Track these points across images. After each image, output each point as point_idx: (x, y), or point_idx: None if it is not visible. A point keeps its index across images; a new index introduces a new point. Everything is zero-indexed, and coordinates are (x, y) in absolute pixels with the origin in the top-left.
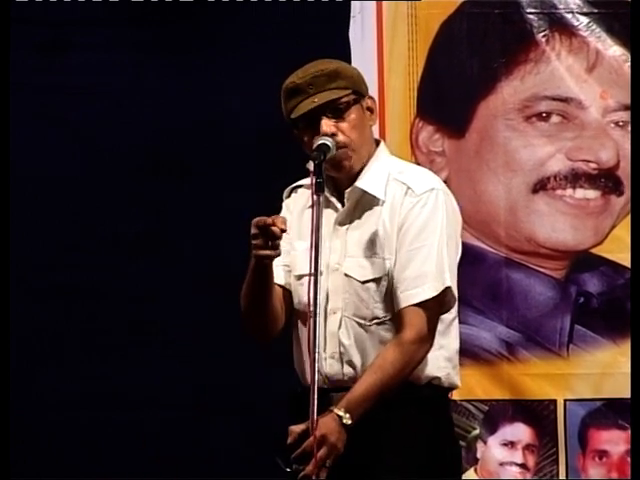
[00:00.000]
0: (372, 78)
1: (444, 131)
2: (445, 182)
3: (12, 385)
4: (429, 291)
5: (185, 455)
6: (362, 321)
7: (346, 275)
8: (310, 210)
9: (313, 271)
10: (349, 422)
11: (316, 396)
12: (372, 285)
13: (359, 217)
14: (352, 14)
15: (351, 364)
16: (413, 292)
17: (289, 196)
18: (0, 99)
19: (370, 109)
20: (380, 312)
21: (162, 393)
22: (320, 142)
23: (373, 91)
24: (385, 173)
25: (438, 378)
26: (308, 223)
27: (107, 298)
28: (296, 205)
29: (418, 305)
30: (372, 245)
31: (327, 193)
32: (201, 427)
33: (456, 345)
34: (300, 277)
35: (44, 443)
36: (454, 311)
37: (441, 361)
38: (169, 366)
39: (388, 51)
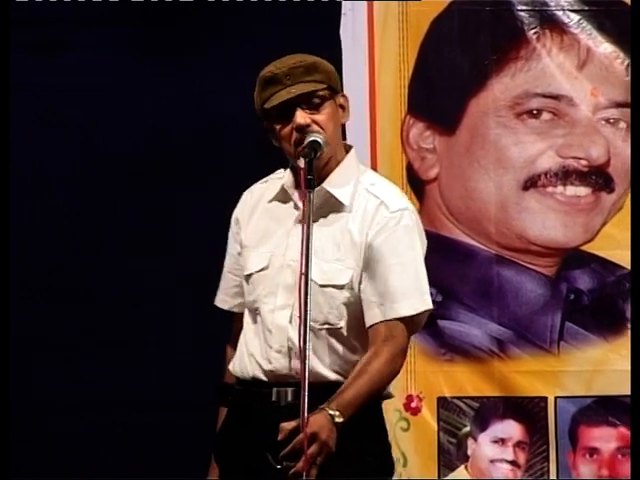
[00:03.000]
0: (363, 75)
1: (435, 128)
2: (436, 179)
3: (11, 387)
4: (408, 308)
5: (185, 455)
6: (313, 324)
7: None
8: (264, 207)
9: (304, 269)
10: (340, 420)
11: (307, 393)
12: (331, 291)
13: (323, 218)
14: (343, 11)
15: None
16: (391, 307)
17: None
18: (0, 100)
19: (342, 106)
20: (333, 319)
21: (162, 394)
22: (311, 139)
23: (364, 88)
24: (353, 180)
25: None
26: (260, 222)
27: (107, 299)
28: (246, 206)
29: (398, 320)
30: (336, 251)
31: (288, 188)
32: (201, 428)
33: None
34: (250, 276)
35: (44, 444)
36: None
37: None
38: (169, 367)
39: (379, 48)
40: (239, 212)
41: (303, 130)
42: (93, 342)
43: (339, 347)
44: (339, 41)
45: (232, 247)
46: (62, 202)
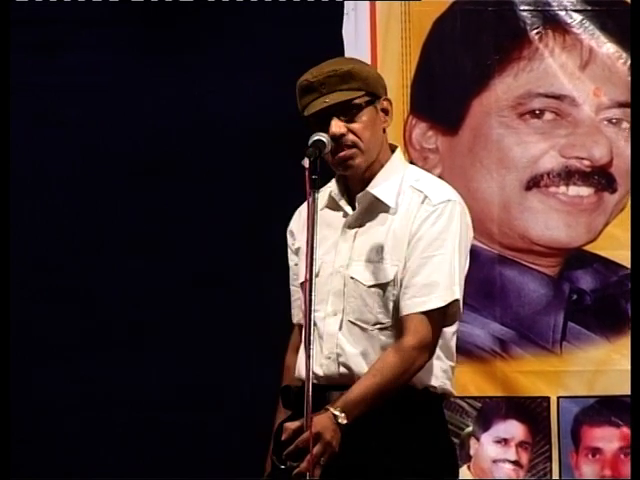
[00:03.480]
0: None
1: (437, 128)
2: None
3: (11, 387)
4: (437, 301)
5: (185, 455)
6: (365, 325)
7: (352, 278)
8: (320, 214)
9: (308, 267)
10: (344, 422)
11: (310, 393)
12: (378, 290)
13: (369, 222)
14: (345, 11)
15: (346, 366)
16: (420, 300)
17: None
18: (0, 100)
19: (385, 110)
20: (383, 317)
21: (161, 394)
22: (315, 138)
23: None
24: (398, 180)
25: (434, 387)
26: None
27: (107, 299)
28: (300, 217)
29: (424, 313)
30: (380, 251)
31: (336, 196)
32: (200, 428)
33: (452, 361)
34: (303, 283)
35: (44, 444)
36: (455, 326)
37: (438, 371)
38: (168, 367)
39: (381, 48)
40: (293, 224)
41: (338, 139)
42: (93, 342)
43: (391, 343)
44: (341, 41)
45: (291, 260)
46: (62, 202)
